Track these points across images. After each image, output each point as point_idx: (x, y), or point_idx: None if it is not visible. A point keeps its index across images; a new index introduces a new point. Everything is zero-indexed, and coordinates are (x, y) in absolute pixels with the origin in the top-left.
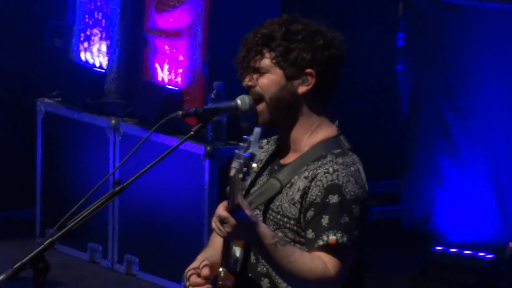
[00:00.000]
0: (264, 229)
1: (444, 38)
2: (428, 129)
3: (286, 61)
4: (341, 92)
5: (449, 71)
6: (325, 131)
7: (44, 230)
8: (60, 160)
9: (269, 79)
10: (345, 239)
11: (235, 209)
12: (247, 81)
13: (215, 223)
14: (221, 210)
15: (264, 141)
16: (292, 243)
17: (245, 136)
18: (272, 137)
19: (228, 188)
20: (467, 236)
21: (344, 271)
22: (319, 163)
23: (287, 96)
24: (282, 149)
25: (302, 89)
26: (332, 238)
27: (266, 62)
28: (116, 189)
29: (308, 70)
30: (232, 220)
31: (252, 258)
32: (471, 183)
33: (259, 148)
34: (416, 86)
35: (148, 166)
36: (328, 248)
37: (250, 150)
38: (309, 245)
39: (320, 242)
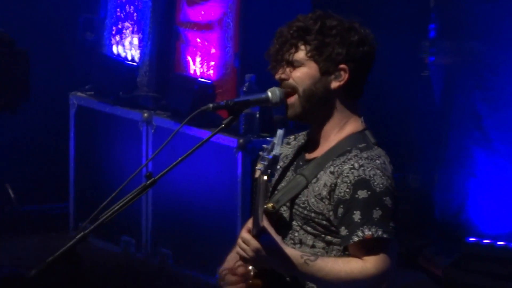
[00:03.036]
0: (290, 250)
1: (476, 29)
2: (461, 120)
3: (321, 55)
4: (375, 85)
5: (482, 62)
6: (352, 126)
7: (78, 223)
8: (93, 154)
9: (303, 72)
10: (379, 232)
11: (260, 233)
12: (280, 74)
13: (239, 247)
14: (244, 232)
15: (292, 137)
16: (322, 235)
17: (269, 138)
18: (300, 133)
19: (253, 193)
20: (501, 227)
21: (386, 264)
22: (344, 158)
23: (320, 90)
24: (310, 143)
25: (335, 84)
26: (367, 233)
27: (300, 55)
28: (148, 182)
29: (342, 66)
30: (255, 243)
31: None
32: (504, 173)
33: (287, 144)
34: (448, 77)
35: (179, 159)
36: (364, 244)
37: (274, 152)
38: (344, 242)
39: (355, 238)
